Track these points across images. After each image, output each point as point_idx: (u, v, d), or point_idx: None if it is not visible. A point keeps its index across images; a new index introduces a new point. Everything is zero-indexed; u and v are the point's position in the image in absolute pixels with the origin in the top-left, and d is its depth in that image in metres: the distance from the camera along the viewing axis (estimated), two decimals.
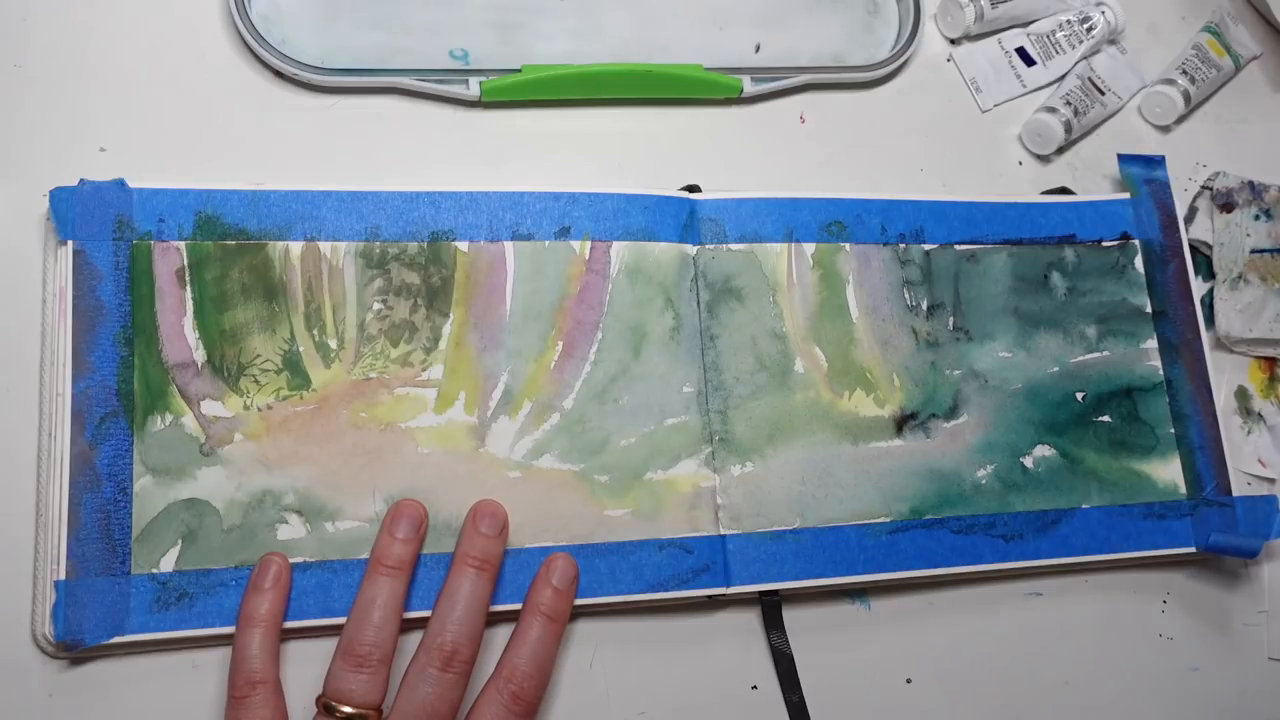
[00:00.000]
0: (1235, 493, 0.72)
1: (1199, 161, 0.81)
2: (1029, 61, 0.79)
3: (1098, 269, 0.74)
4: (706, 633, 0.65)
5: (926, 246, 0.71)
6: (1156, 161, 0.77)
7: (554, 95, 0.71)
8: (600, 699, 0.64)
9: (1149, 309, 0.74)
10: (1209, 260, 0.78)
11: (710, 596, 0.64)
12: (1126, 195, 0.76)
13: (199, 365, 0.60)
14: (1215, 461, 0.72)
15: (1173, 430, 0.73)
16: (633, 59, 0.71)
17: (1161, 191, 0.76)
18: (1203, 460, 0.72)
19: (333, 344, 0.62)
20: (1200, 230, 0.78)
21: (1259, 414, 0.77)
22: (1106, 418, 0.72)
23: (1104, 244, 0.75)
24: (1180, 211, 0.76)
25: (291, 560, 0.59)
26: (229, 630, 0.57)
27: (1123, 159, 0.77)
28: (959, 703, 0.67)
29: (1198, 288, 0.75)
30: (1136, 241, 0.75)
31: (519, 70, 0.69)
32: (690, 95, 0.73)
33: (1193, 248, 0.77)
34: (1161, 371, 0.73)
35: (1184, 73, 0.80)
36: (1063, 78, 0.80)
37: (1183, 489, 0.72)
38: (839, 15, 0.77)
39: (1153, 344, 0.74)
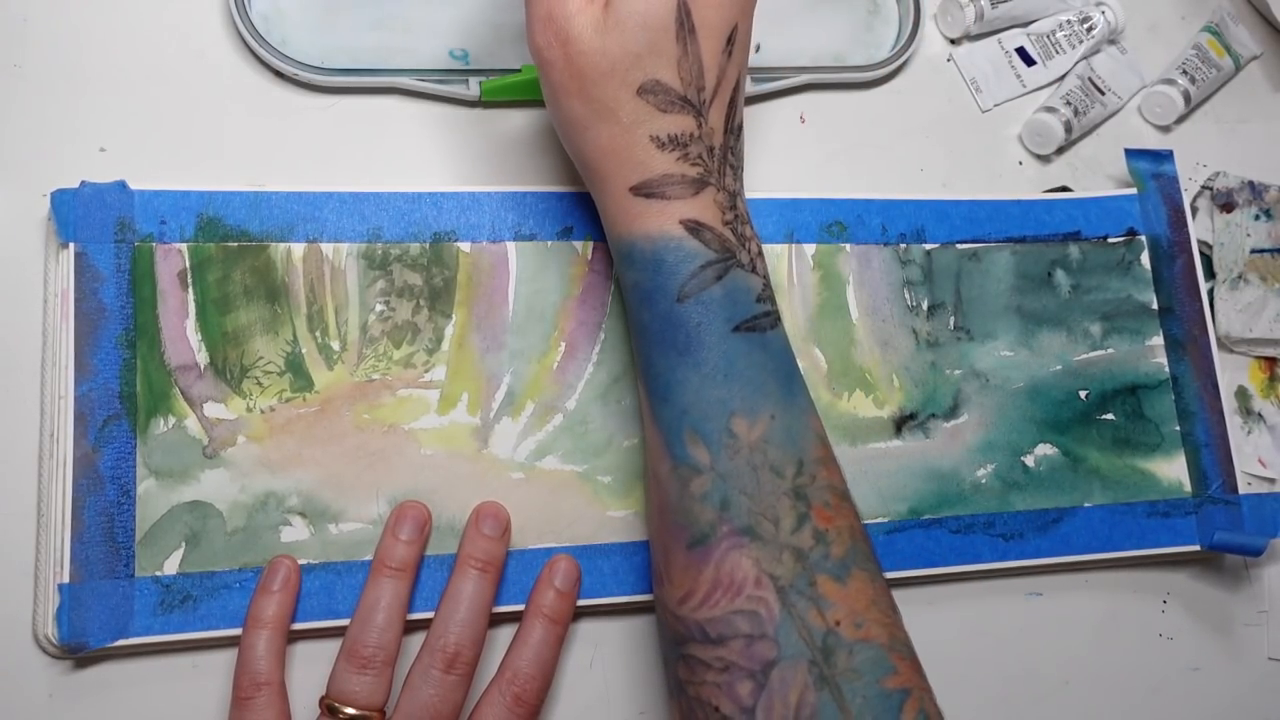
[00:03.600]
0: (1240, 491, 0.72)
1: (1199, 161, 0.81)
2: (1029, 61, 0.79)
3: (1103, 265, 0.74)
4: None
5: (928, 246, 0.71)
6: (1164, 156, 0.77)
7: None
8: (600, 699, 0.64)
9: (1155, 305, 0.74)
10: (1209, 260, 0.78)
11: None
12: (1132, 191, 0.76)
13: (201, 367, 0.60)
14: (1221, 459, 0.72)
15: (1178, 428, 0.73)
16: None
17: (1169, 186, 0.76)
18: (1209, 458, 0.72)
19: (335, 346, 0.62)
20: (1200, 230, 0.78)
21: (1259, 414, 0.77)
22: (1110, 415, 0.72)
23: (1109, 240, 0.75)
24: (1186, 208, 0.76)
25: None
26: (233, 632, 0.57)
27: (1130, 153, 0.77)
28: (959, 702, 0.67)
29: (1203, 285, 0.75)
30: (1143, 237, 0.75)
31: (519, 70, 0.69)
32: None
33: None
34: (1167, 368, 0.73)
35: (1184, 73, 0.80)
36: (1063, 78, 0.80)
37: (1188, 487, 0.72)
38: (839, 15, 0.77)
39: (1158, 340, 0.74)
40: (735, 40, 0.56)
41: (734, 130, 0.57)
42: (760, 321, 0.55)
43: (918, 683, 0.51)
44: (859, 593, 0.52)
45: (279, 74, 0.67)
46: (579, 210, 0.66)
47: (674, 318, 0.54)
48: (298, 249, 0.62)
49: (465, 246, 0.64)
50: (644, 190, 0.55)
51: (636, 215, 0.55)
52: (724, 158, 0.56)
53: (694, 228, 0.55)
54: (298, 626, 0.58)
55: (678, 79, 0.54)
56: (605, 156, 0.55)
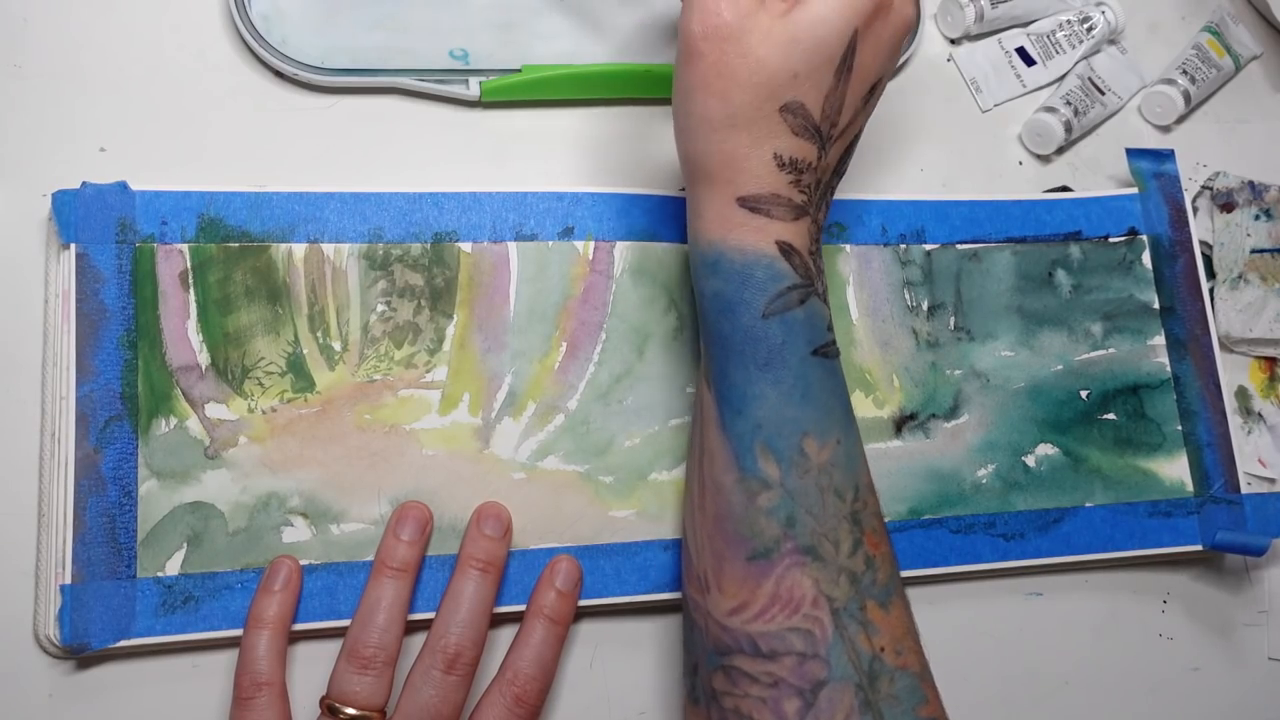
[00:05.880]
0: (1242, 491, 0.72)
1: (1199, 161, 0.81)
2: (1029, 61, 0.79)
3: (1104, 265, 0.74)
4: None
5: (927, 247, 0.71)
6: (1166, 155, 0.77)
7: (554, 95, 0.70)
8: (600, 699, 0.64)
9: (1156, 305, 0.74)
10: (1209, 260, 0.78)
11: None
12: (1133, 191, 0.76)
13: (203, 368, 0.60)
14: (1224, 459, 0.72)
15: (1180, 427, 0.72)
16: (633, 59, 0.71)
17: (1171, 185, 0.76)
18: (1211, 457, 0.72)
19: (336, 346, 0.62)
20: (1200, 230, 0.78)
21: (1259, 414, 0.77)
22: (1112, 415, 0.72)
23: (1110, 240, 0.75)
24: (1187, 208, 0.76)
25: None
26: (234, 633, 0.57)
27: (1131, 153, 0.77)
28: (959, 703, 0.67)
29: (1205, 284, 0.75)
30: (1144, 237, 0.75)
31: (519, 70, 0.69)
32: None
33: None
34: (1169, 368, 0.73)
35: (1184, 73, 0.80)
36: (1063, 78, 0.80)
37: (1189, 486, 0.72)
38: None
39: (1160, 340, 0.74)
40: (875, 92, 0.58)
41: (840, 173, 0.59)
42: (830, 349, 0.56)
43: (943, 714, 0.53)
44: (899, 620, 0.53)
45: (279, 74, 0.67)
46: (580, 210, 0.66)
47: (756, 332, 0.55)
48: (299, 249, 0.62)
49: (466, 247, 0.64)
50: (751, 203, 0.55)
51: (736, 225, 0.55)
52: (824, 194, 0.58)
53: (787, 250, 0.55)
54: (299, 627, 0.58)
55: (820, 109, 0.55)
56: (724, 162, 0.55)
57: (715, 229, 0.56)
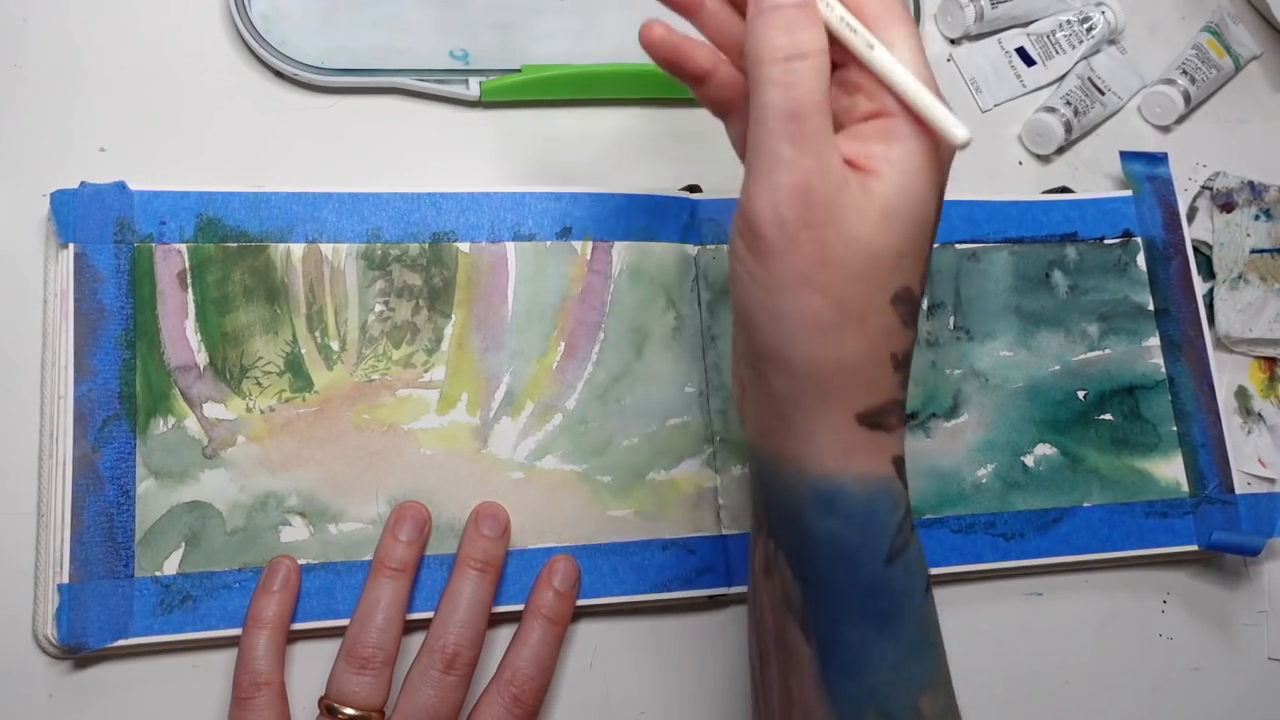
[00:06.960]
0: (1237, 491, 0.72)
1: (1199, 161, 0.81)
2: (1029, 61, 0.79)
3: (1100, 267, 0.74)
4: (708, 633, 0.65)
5: None
6: (1159, 158, 0.77)
7: (554, 95, 0.71)
8: (600, 699, 0.64)
9: (1151, 306, 0.74)
10: (1209, 260, 0.78)
11: (712, 597, 0.64)
12: (1128, 193, 0.76)
13: (201, 368, 0.60)
14: (1218, 459, 0.72)
15: (1175, 428, 0.72)
16: (633, 59, 0.71)
17: (1164, 188, 0.76)
18: (1205, 458, 0.72)
19: (335, 346, 0.62)
20: (1200, 230, 0.78)
21: (1259, 414, 0.77)
22: (1108, 416, 0.72)
23: (1106, 242, 0.75)
24: (1181, 211, 0.76)
25: None
26: (233, 632, 0.57)
27: (1125, 156, 0.77)
28: (959, 702, 0.67)
29: (1199, 286, 0.75)
30: (1139, 239, 0.75)
31: (519, 70, 0.69)
32: (691, 95, 0.73)
33: (1193, 247, 0.77)
34: (1164, 369, 0.73)
35: (1184, 73, 0.80)
36: (1063, 78, 0.80)
37: (1185, 487, 0.72)
38: None
39: (1155, 341, 0.74)
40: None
41: None
42: (926, 574, 0.48)
43: None
44: None
45: (279, 74, 0.67)
46: (578, 210, 0.66)
47: (879, 583, 0.46)
48: (297, 249, 0.62)
49: (465, 247, 0.64)
50: (870, 419, 0.45)
51: (857, 450, 0.45)
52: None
53: (900, 464, 0.47)
54: (297, 626, 0.58)
55: (920, 288, 0.46)
56: (840, 372, 0.44)
57: (832, 458, 0.45)
